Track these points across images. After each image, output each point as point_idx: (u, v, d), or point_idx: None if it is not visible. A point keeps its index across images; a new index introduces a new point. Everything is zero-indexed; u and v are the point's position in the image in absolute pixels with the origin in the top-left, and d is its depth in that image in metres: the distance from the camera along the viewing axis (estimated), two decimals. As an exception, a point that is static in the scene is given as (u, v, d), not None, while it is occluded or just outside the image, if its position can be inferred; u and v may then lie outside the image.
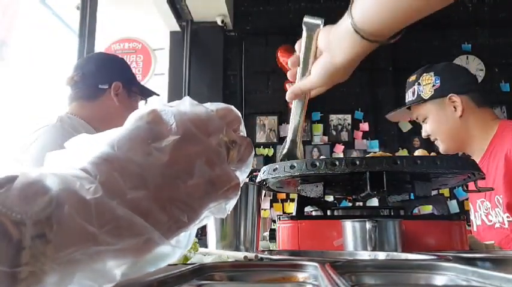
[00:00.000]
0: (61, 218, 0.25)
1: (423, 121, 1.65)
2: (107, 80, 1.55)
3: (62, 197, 0.25)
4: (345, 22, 0.75)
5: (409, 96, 1.66)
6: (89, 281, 0.27)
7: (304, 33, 0.86)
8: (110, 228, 0.26)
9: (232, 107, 0.35)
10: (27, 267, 0.23)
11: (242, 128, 0.36)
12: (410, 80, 1.66)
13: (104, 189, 0.27)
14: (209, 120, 0.33)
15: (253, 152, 0.36)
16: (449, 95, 1.56)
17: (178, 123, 0.31)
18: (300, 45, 0.87)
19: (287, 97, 0.89)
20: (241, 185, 0.34)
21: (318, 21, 0.85)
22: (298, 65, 0.87)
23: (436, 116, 1.60)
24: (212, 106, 0.34)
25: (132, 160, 0.29)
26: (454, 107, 1.57)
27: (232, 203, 0.34)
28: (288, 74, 0.91)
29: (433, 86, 1.58)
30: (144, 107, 0.32)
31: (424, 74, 1.61)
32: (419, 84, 1.60)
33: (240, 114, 0.36)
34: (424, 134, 1.67)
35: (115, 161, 0.28)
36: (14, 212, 0.24)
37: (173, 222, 0.29)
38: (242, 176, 0.35)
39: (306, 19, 0.86)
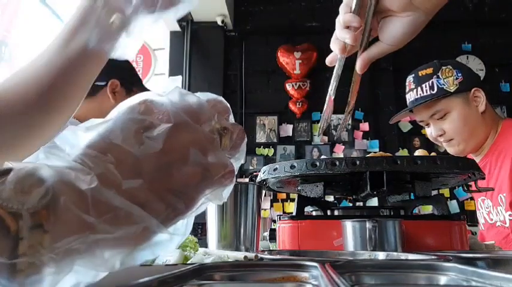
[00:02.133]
0: (58, 209, 0.25)
1: (441, 118, 1.50)
2: (104, 77, 1.54)
3: (58, 188, 0.25)
4: None
5: (423, 91, 1.50)
6: (88, 270, 0.27)
7: None
8: (108, 217, 0.26)
9: (222, 98, 0.35)
10: (25, 258, 0.24)
11: (231, 119, 0.36)
12: (423, 74, 1.52)
13: (99, 180, 0.27)
14: (200, 109, 0.33)
15: (246, 139, 0.36)
16: (474, 89, 1.49)
17: (170, 112, 0.31)
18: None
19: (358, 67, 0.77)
20: (235, 173, 0.34)
21: None
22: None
23: (462, 111, 1.48)
24: (202, 96, 0.34)
25: (126, 150, 0.29)
26: (475, 103, 1.49)
27: (228, 189, 0.34)
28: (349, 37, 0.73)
29: (456, 79, 1.48)
30: (134, 98, 0.31)
31: (443, 67, 1.50)
32: (438, 77, 1.49)
33: (229, 105, 0.36)
34: (436, 133, 1.53)
35: (109, 153, 0.28)
36: (10, 203, 0.24)
37: (171, 210, 0.30)
38: (236, 164, 0.35)
39: None
